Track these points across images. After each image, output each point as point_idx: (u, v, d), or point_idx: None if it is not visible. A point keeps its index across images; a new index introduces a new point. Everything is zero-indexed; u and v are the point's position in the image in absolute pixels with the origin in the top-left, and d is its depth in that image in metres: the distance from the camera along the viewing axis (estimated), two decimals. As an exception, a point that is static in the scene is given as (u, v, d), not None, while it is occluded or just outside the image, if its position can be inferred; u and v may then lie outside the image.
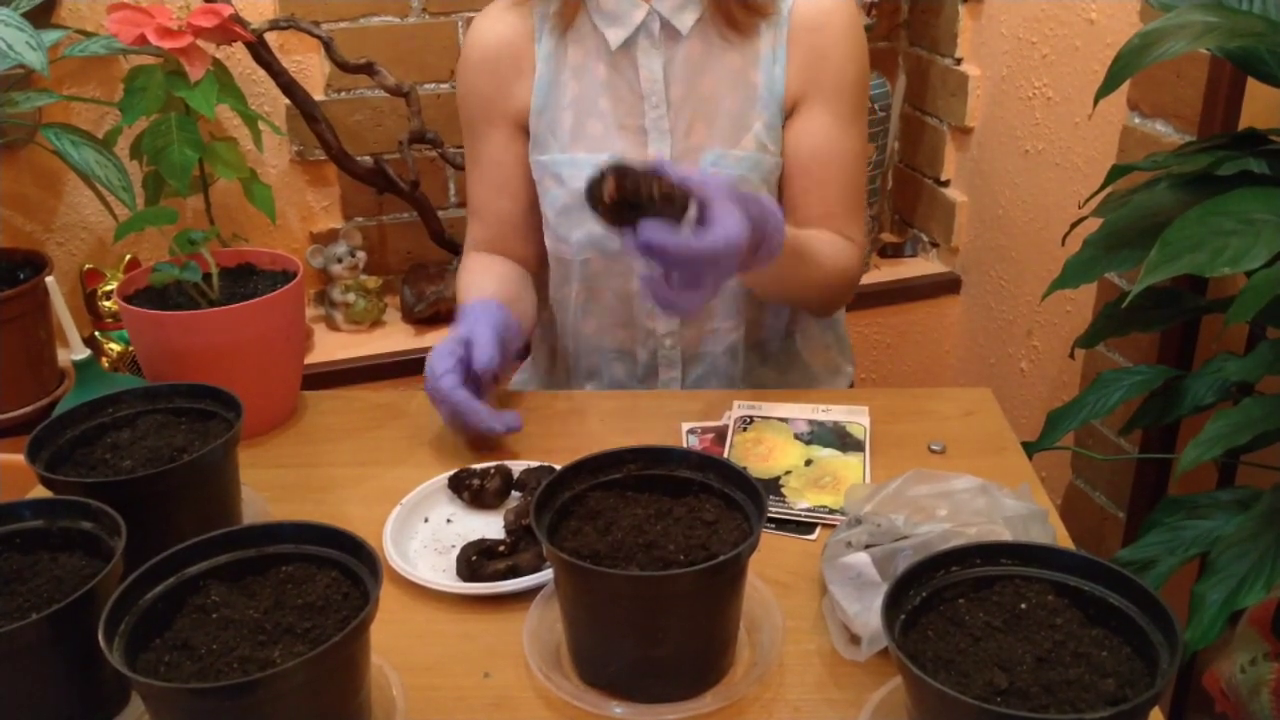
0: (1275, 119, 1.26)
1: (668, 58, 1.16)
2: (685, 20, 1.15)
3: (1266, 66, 1.15)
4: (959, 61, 1.84)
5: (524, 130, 1.21)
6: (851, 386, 1.38)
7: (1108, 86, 1.06)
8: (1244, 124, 1.30)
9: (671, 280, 0.90)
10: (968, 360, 1.97)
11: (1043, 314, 1.72)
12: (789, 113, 1.18)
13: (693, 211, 0.89)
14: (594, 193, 0.88)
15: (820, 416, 1.08)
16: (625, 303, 1.24)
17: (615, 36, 1.15)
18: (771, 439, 1.05)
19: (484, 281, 1.19)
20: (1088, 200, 1.29)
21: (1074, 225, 1.30)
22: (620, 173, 0.87)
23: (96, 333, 1.62)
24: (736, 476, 0.81)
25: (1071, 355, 1.41)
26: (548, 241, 1.24)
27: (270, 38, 1.62)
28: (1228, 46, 1.15)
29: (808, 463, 1.01)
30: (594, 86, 1.17)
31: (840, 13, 1.17)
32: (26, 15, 1.34)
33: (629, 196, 0.87)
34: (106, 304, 1.61)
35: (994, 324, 1.87)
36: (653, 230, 0.86)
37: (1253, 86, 1.28)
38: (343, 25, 1.69)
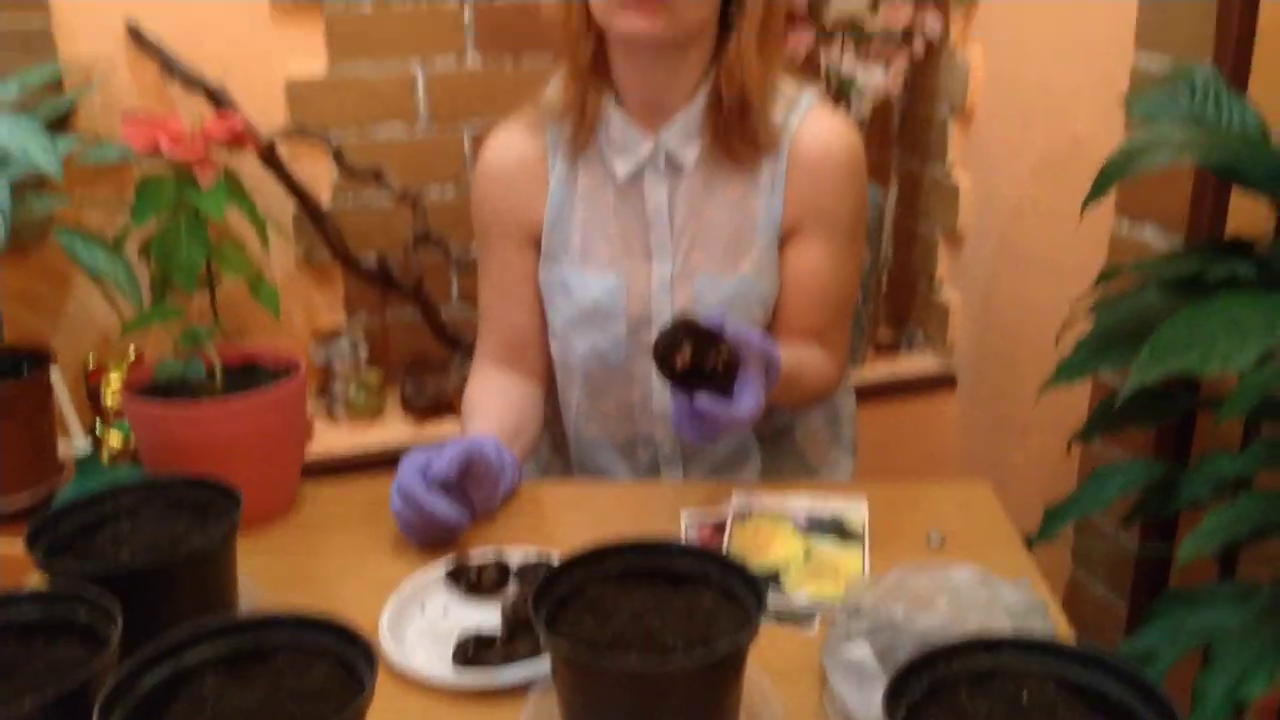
0: (1261, 224, 1.30)
1: (672, 187, 1.19)
2: (689, 154, 1.18)
3: (1248, 177, 1.19)
4: (949, 171, 1.89)
5: (536, 243, 1.24)
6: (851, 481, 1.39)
7: (1094, 195, 1.10)
8: (1230, 228, 1.33)
9: (700, 429, 0.97)
10: (965, 457, 1.97)
11: (1039, 411, 1.73)
12: (786, 237, 1.21)
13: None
14: (666, 356, 0.95)
15: (819, 508, 1.08)
16: (626, 409, 1.26)
17: (623, 168, 1.19)
18: (770, 530, 1.05)
19: (487, 412, 1.20)
20: (1079, 302, 1.31)
21: (1065, 327, 1.32)
22: (693, 337, 0.95)
23: (98, 425, 1.62)
24: (735, 569, 0.81)
25: (1068, 451, 1.41)
26: (553, 348, 1.26)
27: (281, 145, 1.66)
28: (1210, 159, 1.19)
29: (807, 554, 1.01)
30: (603, 210, 1.21)
31: (839, 147, 1.19)
32: (44, 124, 1.38)
33: (696, 365, 0.95)
34: (109, 398, 1.62)
35: (991, 421, 1.88)
36: (707, 403, 0.95)
37: (1238, 190, 1.31)
38: (352, 134, 1.74)
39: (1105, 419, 1.29)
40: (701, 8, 1.11)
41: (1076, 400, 1.61)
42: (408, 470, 1.02)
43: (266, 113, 1.69)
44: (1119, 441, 1.51)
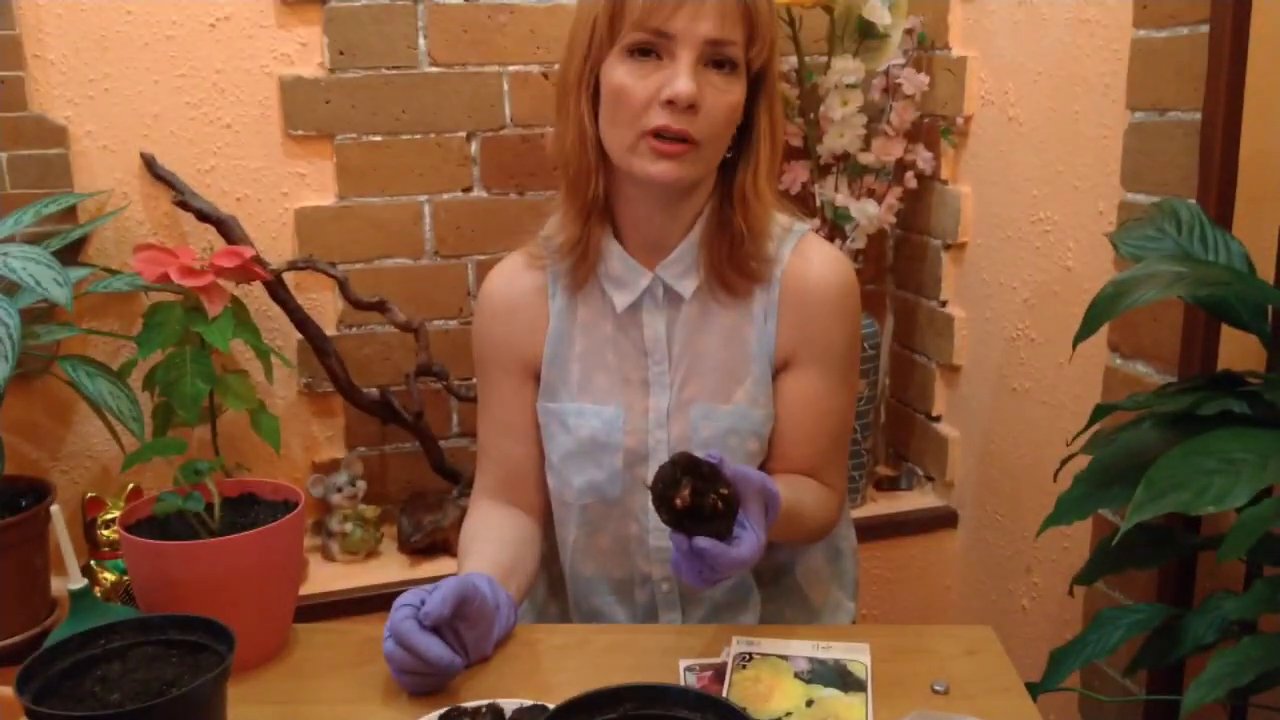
0: (1251, 359, 1.31)
1: (670, 318, 1.21)
2: (687, 286, 1.20)
3: (1236, 312, 1.21)
4: (944, 304, 1.92)
5: (535, 377, 1.25)
6: (854, 623, 1.37)
7: (1084, 332, 1.11)
8: (1222, 363, 1.35)
9: (700, 571, 0.96)
10: (968, 596, 1.95)
11: (1041, 549, 1.72)
12: (780, 368, 1.22)
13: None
14: (665, 495, 0.94)
15: (820, 654, 1.06)
16: (623, 546, 1.25)
17: (622, 300, 1.21)
18: (771, 678, 1.03)
19: (482, 549, 1.19)
20: (1075, 437, 1.32)
21: (1064, 462, 1.32)
22: (692, 476, 0.93)
23: (92, 561, 1.61)
24: (736, 717, 0.79)
25: (1070, 593, 1.40)
26: (550, 483, 1.26)
27: (287, 276, 1.69)
28: (1197, 294, 1.21)
29: (809, 703, 0.99)
30: (602, 342, 1.22)
31: (830, 278, 1.20)
32: (56, 253, 1.41)
33: (695, 505, 0.93)
34: (105, 533, 1.61)
35: (993, 559, 1.86)
36: (707, 544, 0.94)
37: (1228, 327, 1.33)
38: (358, 266, 1.77)
39: (1105, 560, 1.28)
40: (722, 150, 1.15)
41: (1080, 535, 1.60)
42: (401, 612, 1.01)
43: (276, 241, 1.73)
44: (1123, 581, 1.49)
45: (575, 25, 1.15)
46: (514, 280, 1.26)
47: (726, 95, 1.11)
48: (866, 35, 1.77)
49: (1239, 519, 0.97)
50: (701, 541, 0.94)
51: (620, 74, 1.10)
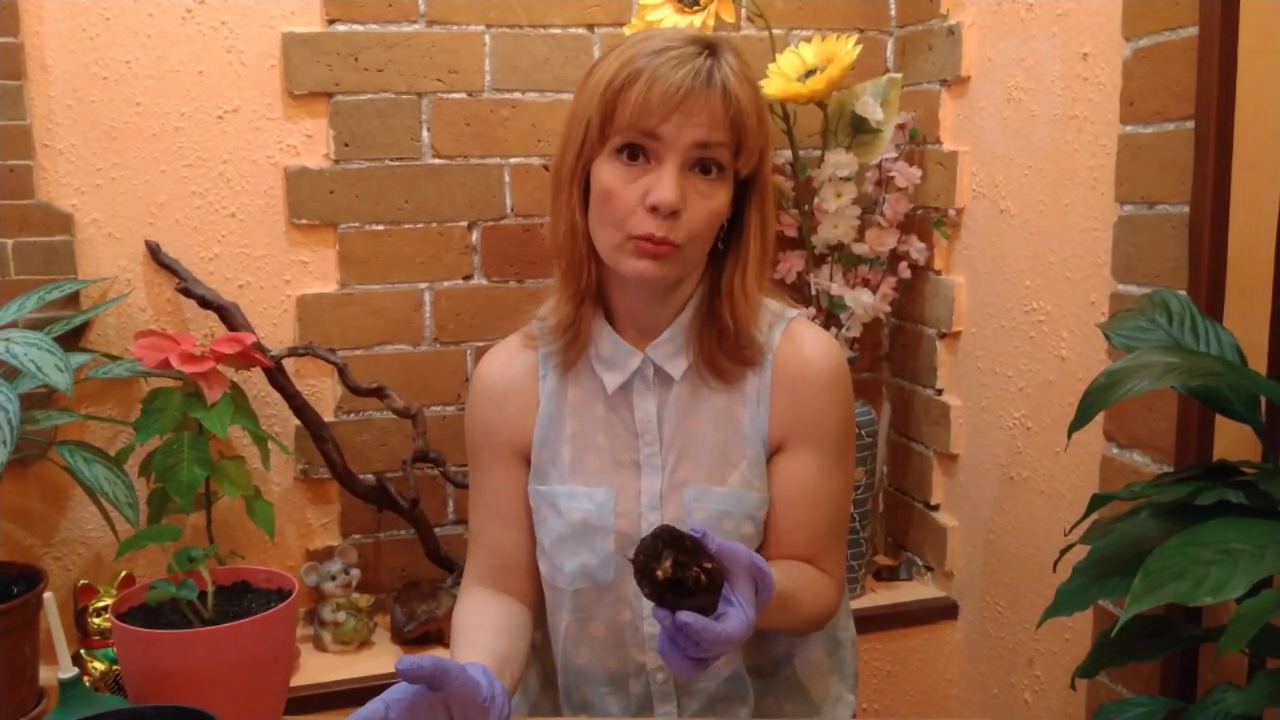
0: (1246, 449, 1.31)
1: (661, 399, 1.22)
2: (677, 367, 1.21)
3: (1229, 403, 1.22)
4: (940, 392, 1.93)
5: (526, 461, 1.26)
6: (854, 718, 1.35)
7: (1079, 421, 1.11)
8: (1217, 453, 1.35)
9: (686, 648, 0.94)
10: (970, 690, 1.92)
11: (1042, 641, 1.70)
12: (774, 451, 1.22)
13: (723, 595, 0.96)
14: (646, 566, 0.92)
15: (818, 748, 1.04)
16: (617, 633, 1.23)
17: (612, 381, 1.22)
18: (768, 773, 1.01)
19: (477, 639, 1.16)
20: (1073, 527, 1.32)
21: (1063, 553, 1.32)
22: (674, 548, 0.92)
23: (82, 650, 1.59)
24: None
25: (1073, 686, 1.38)
26: (542, 568, 1.25)
27: (287, 362, 1.70)
28: (1190, 385, 1.22)
29: (806, 799, 0.97)
30: (593, 424, 1.23)
31: (822, 362, 1.22)
32: (58, 339, 1.42)
33: (678, 578, 0.92)
34: (96, 621, 1.59)
35: (994, 651, 1.84)
36: (690, 618, 0.92)
37: (1222, 417, 1.34)
38: (358, 352, 1.78)
39: (1106, 653, 1.26)
40: (705, 249, 1.17)
41: (1082, 627, 1.58)
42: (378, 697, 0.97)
43: (277, 328, 1.75)
44: (1125, 673, 1.47)
45: (569, 122, 1.17)
46: (508, 365, 1.27)
47: (709, 201, 1.13)
48: (859, 130, 1.81)
49: (1238, 611, 0.97)
50: (685, 615, 0.91)
51: (608, 175, 1.13)
